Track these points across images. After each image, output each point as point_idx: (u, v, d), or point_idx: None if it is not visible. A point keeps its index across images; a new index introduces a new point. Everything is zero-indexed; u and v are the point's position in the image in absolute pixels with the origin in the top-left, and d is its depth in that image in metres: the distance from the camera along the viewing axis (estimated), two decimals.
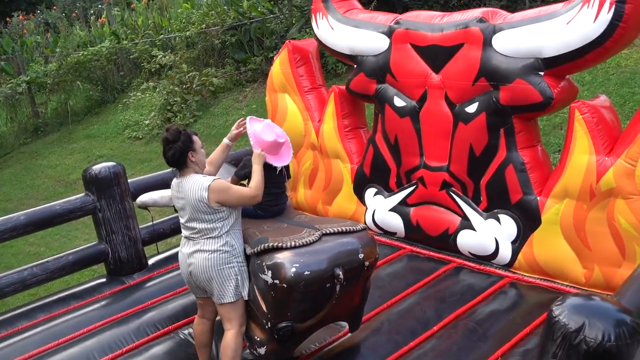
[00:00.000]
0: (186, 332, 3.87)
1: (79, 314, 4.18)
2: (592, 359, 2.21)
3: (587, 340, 2.21)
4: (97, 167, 4.64)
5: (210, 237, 3.19)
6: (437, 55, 4.35)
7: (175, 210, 3.90)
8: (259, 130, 3.47)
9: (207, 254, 3.18)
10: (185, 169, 3.27)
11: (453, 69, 4.28)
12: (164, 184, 4.78)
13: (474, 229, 4.36)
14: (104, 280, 4.75)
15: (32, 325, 4.13)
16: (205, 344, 3.44)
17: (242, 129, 3.54)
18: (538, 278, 4.09)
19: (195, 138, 3.30)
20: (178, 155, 3.21)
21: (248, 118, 3.57)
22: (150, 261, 4.94)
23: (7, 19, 21.08)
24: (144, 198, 3.97)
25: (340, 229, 3.21)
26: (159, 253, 5.07)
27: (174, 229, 5.02)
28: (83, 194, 4.68)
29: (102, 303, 4.34)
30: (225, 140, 3.56)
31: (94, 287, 4.63)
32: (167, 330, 3.94)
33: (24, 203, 9.74)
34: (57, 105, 13.97)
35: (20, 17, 20.43)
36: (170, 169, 5.27)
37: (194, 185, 3.19)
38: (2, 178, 11.48)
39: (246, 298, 3.23)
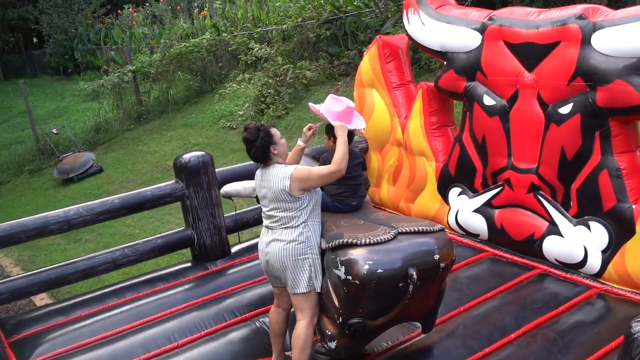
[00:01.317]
0: (262, 320, 3.95)
1: (164, 296, 4.38)
2: None
3: None
4: (187, 156, 4.82)
5: (287, 227, 3.25)
6: (531, 53, 4.19)
7: (257, 201, 4.00)
8: (327, 106, 3.45)
9: (283, 243, 3.25)
10: (269, 162, 3.35)
11: (547, 68, 4.10)
12: (250, 174, 4.88)
13: (561, 235, 4.17)
14: (189, 264, 4.94)
15: (121, 303, 4.36)
16: (280, 333, 3.50)
17: (312, 130, 3.55)
18: (629, 291, 3.85)
19: (273, 131, 3.37)
20: (261, 152, 3.31)
21: (310, 104, 3.58)
22: (233, 249, 5.08)
23: (119, 11, 22.31)
24: (227, 188, 4.08)
25: (416, 229, 3.16)
26: (240, 242, 5.20)
27: (257, 219, 5.14)
28: (173, 181, 4.88)
29: (186, 287, 4.51)
30: (300, 143, 3.56)
31: (179, 270, 4.82)
32: (245, 317, 4.04)
33: (124, 186, 10.31)
34: (159, 94, 14.64)
35: (130, 9, 21.56)
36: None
37: (278, 175, 3.27)
38: (106, 161, 12.19)
39: (319, 290, 3.26)
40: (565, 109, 4.03)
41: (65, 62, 22.87)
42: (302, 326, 3.26)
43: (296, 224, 3.24)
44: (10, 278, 4.56)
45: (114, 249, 4.71)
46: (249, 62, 12.76)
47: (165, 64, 14.22)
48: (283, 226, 3.27)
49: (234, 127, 11.54)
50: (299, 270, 3.23)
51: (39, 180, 12.59)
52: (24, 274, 4.51)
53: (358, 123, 3.54)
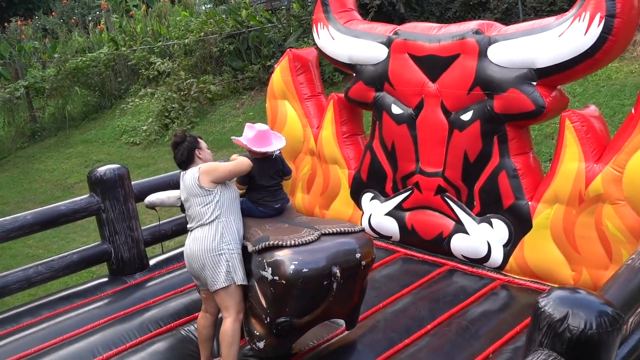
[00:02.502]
0: (188, 329, 3.98)
1: (83, 312, 4.29)
2: (575, 346, 2.36)
3: (571, 328, 2.35)
4: (102, 169, 4.76)
5: (202, 225, 3.39)
6: (434, 65, 4.51)
7: (182, 211, 4.05)
8: (244, 135, 3.65)
9: (199, 241, 3.38)
10: (191, 166, 3.51)
11: (449, 78, 4.44)
12: (166, 186, 4.92)
13: (467, 233, 4.50)
14: (106, 279, 4.86)
15: (37, 322, 4.22)
16: (207, 338, 3.57)
17: None
18: (528, 280, 4.23)
19: (200, 139, 3.61)
20: (186, 154, 3.50)
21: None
22: (152, 261, 5.05)
23: (5, 24, 21.19)
24: (151, 198, 4.10)
25: (338, 230, 3.35)
26: (162, 253, 5.18)
27: (175, 231, 5.15)
28: (88, 195, 4.80)
29: (105, 301, 4.45)
30: None
31: (96, 286, 4.73)
32: (169, 327, 4.05)
33: (21, 206, 9.82)
34: (54, 110, 14.09)
35: (19, 22, 20.54)
36: (170, 173, 5.42)
37: (191, 172, 3.47)
38: None
39: (239, 283, 3.35)
40: (466, 116, 4.38)
41: None
42: (229, 323, 3.35)
43: (210, 220, 3.37)
44: None
45: (27, 266, 4.56)
46: (151, 76, 12.62)
47: (60, 79, 13.72)
48: (198, 224, 3.41)
49: (137, 142, 11.35)
50: (216, 266, 3.33)
51: None
52: None
53: (277, 143, 3.70)
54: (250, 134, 3.60)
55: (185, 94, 11.41)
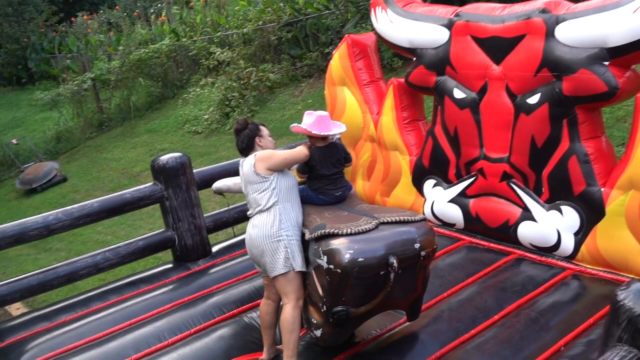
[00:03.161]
0: (250, 316, 4.01)
1: (149, 297, 4.39)
2: None
3: None
4: (164, 158, 4.84)
5: (261, 212, 3.39)
6: (498, 46, 4.36)
7: None
8: (303, 122, 3.60)
9: (258, 228, 3.38)
10: (252, 153, 3.50)
11: (514, 60, 4.27)
12: (227, 174, 4.95)
13: (535, 221, 4.35)
14: (170, 265, 4.95)
15: (106, 306, 4.36)
16: (270, 325, 3.57)
17: None
18: (601, 270, 4.05)
19: (262, 127, 3.59)
20: (247, 141, 3.50)
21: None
22: (214, 248, 5.12)
23: (72, 19, 21.90)
24: (218, 184, 4.13)
25: (398, 218, 3.26)
26: (235, 236, 5.24)
27: (237, 218, 5.19)
28: (151, 183, 4.88)
29: (170, 287, 4.53)
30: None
31: (161, 272, 4.83)
32: (232, 313, 4.09)
33: (91, 194, 10.19)
34: (120, 101, 14.48)
35: (85, 17, 21.18)
36: (231, 160, 5.46)
37: (249, 159, 3.47)
38: (70, 170, 12.00)
39: (298, 269, 3.33)
40: (533, 99, 4.21)
41: (19, 72, 22.32)
42: (288, 309, 3.34)
43: (267, 207, 3.37)
44: None
45: (95, 253, 4.69)
46: (211, 66, 12.75)
47: (124, 71, 14.07)
48: (257, 210, 3.41)
49: (200, 131, 11.52)
50: (275, 253, 3.32)
51: (0, 192, 12.31)
52: (5, 281, 4.45)
53: (337, 129, 3.64)
54: (310, 120, 3.56)
55: (244, 83, 11.48)
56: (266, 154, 3.43)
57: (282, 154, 3.45)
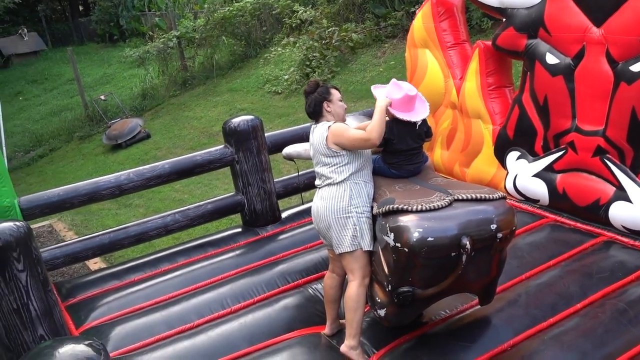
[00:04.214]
0: (315, 287, 3.89)
1: (216, 261, 4.36)
2: None
3: None
4: (236, 120, 4.74)
5: (330, 184, 3.20)
6: (600, 6, 3.91)
7: None
8: (388, 92, 3.30)
9: (326, 201, 3.19)
10: (321, 119, 3.28)
11: (618, 22, 3.83)
12: (299, 138, 4.82)
13: (630, 201, 3.94)
14: (239, 230, 4.91)
15: (173, 268, 4.37)
16: (334, 299, 3.43)
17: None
18: None
19: (333, 90, 3.32)
20: (314, 105, 3.28)
21: (372, 87, 3.42)
22: (284, 214, 5.02)
23: None
24: (289, 150, 4.00)
25: (474, 196, 2.98)
26: (303, 203, 5.13)
27: (308, 184, 5.05)
28: (222, 146, 4.82)
29: (237, 252, 4.48)
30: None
31: (230, 236, 4.80)
32: (297, 284, 3.99)
33: (172, 152, 10.38)
34: (203, 59, 14.63)
35: None
36: (304, 125, 5.30)
37: (320, 128, 3.24)
38: (153, 127, 12.28)
39: (366, 249, 3.15)
40: (637, 67, 3.76)
41: (111, 29, 23.07)
42: (353, 287, 3.18)
43: (337, 181, 3.17)
44: (65, 242, 4.62)
45: (165, 214, 4.71)
46: (294, 25, 12.59)
47: (209, 29, 14.17)
48: (326, 183, 3.23)
49: (279, 91, 11.45)
50: (342, 229, 3.15)
51: (88, 146, 12.81)
52: (78, 239, 4.56)
53: (421, 112, 3.35)
54: (397, 95, 3.26)
55: (327, 43, 11.26)
56: (339, 130, 3.16)
57: (354, 136, 3.14)
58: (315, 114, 3.30)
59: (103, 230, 4.73)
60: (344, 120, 3.35)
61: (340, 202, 3.15)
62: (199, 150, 4.92)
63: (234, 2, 14.84)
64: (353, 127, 3.30)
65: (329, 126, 3.19)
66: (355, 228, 3.12)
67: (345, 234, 3.13)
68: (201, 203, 4.84)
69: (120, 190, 4.38)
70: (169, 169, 4.53)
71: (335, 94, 3.32)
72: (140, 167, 4.55)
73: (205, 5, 15.09)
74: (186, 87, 14.19)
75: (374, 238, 3.17)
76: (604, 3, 3.89)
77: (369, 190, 3.23)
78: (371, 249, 3.15)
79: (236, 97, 12.22)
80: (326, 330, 3.47)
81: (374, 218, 3.16)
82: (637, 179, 3.93)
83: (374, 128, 3.11)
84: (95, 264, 5.95)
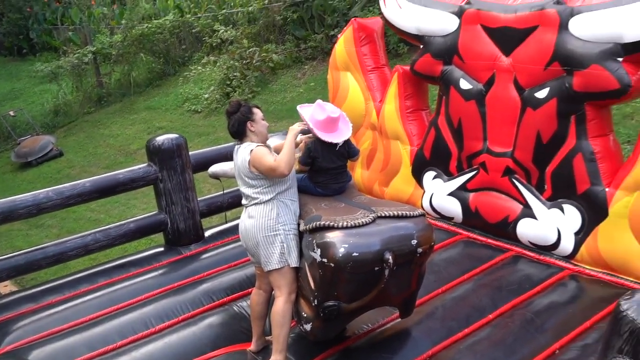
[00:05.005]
0: (240, 305, 3.92)
1: (138, 281, 4.30)
2: None
3: None
4: (160, 139, 4.72)
5: (256, 204, 3.26)
6: (508, 37, 4.21)
7: None
8: (311, 112, 3.41)
9: (254, 219, 3.25)
10: (245, 139, 3.33)
11: (525, 52, 4.14)
12: (224, 157, 4.84)
13: (535, 218, 4.24)
14: (161, 249, 4.86)
15: (94, 289, 4.26)
16: (260, 315, 3.48)
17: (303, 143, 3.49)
18: (601, 272, 3.95)
19: (255, 110, 3.36)
20: (237, 125, 3.31)
21: (298, 107, 3.53)
22: (207, 233, 5.01)
23: None
24: (215, 168, 4.02)
25: (396, 213, 3.14)
26: (227, 221, 5.13)
27: (232, 203, 5.08)
28: (146, 164, 4.77)
29: (160, 272, 4.44)
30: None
31: (152, 255, 4.74)
32: (222, 302, 4.01)
33: (86, 170, 10.07)
34: (120, 76, 14.30)
35: None
36: (229, 144, 5.34)
37: (243, 152, 3.28)
38: (66, 145, 11.87)
39: (293, 265, 3.23)
40: (541, 94, 4.08)
41: (20, 42, 22.07)
42: (280, 303, 3.24)
43: (264, 200, 3.24)
44: None
45: (85, 233, 4.60)
46: (214, 44, 12.56)
47: (126, 46, 13.89)
48: (253, 202, 3.28)
49: (199, 110, 11.38)
50: (270, 246, 3.22)
51: None
52: None
53: (344, 132, 3.43)
54: (320, 117, 3.35)
55: (247, 63, 11.32)
56: (258, 156, 3.19)
57: (267, 164, 3.17)
58: (239, 134, 3.34)
59: (13, 252, 4.55)
60: (267, 138, 3.43)
61: (268, 220, 3.21)
62: (116, 169, 4.85)
63: (153, 19, 14.66)
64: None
65: (252, 150, 3.23)
66: (283, 245, 3.19)
67: (273, 251, 3.20)
68: (123, 222, 4.76)
69: (38, 209, 4.24)
70: (90, 187, 4.44)
71: (258, 113, 3.37)
72: (60, 186, 4.42)
73: (123, 21, 14.81)
74: (102, 104, 13.83)
75: (300, 254, 3.25)
76: (512, 34, 4.19)
77: (295, 209, 3.32)
78: (298, 265, 3.24)
79: (154, 115, 12.03)
80: (252, 347, 3.50)
81: (301, 235, 3.25)
82: (541, 197, 4.23)
83: (282, 158, 3.18)
84: (5, 287, 5.69)
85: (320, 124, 3.37)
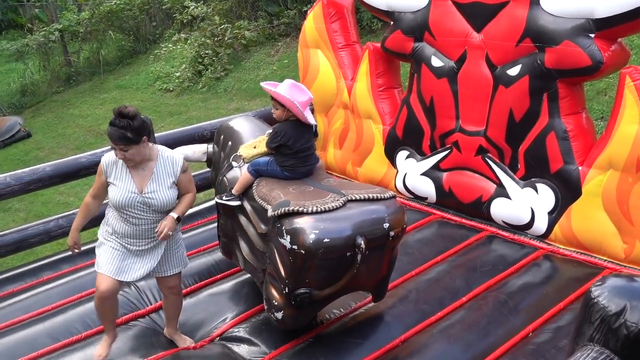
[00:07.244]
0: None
1: None
2: (632, 344, 2.06)
3: (628, 324, 2.05)
4: None
5: None
6: (479, 13, 4.12)
7: (208, 165, 3.81)
8: (288, 93, 3.28)
9: None
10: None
11: (496, 29, 4.05)
12: (190, 139, 4.71)
13: (509, 197, 4.19)
14: None
15: (57, 276, 4.13)
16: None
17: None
18: (574, 251, 3.93)
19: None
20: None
21: (262, 84, 3.41)
22: None
23: None
24: (181, 150, 3.89)
25: (366, 196, 3.06)
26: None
27: (199, 186, 4.94)
28: (109, 147, 4.60)
29: None
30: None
31: None
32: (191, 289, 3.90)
33: (55, 152, 9.82)
34: (89, 54, 13.94)
35: None
36: (196, 125, 5.20)
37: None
38: (35, 126, 11.56)
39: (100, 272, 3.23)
40: (513, 71, 4.00)
41: None
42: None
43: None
44: None
45: (48, 219, 4.45)
46: (185, 21, 12.27)
47: (95, 23, 13.51)
48: None
49: (171, 89, 11.14)
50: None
51: None
52: None
53: (310, 117, 3.37)
54: (302, 98, 3.26)
55: (219, 40, 11.07)
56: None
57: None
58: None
59: None
60: None
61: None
62: (86, 151, 4.67)
63: None
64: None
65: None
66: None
67: None
68: None
69: None
70: (50, 172, 4.27)
71: None
72: (19, 171, 4.24)
73: None
74: (70, 83, 13.46)
75: (267, 239, 3.15)
76: (483, 10, 4.10)
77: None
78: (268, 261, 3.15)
79: (125, 95, 11.74)
80: None
81: (269, 221, 3.13)
82: (515, 176, 4.18)
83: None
84: None
85: (303, 105, 3.26)
